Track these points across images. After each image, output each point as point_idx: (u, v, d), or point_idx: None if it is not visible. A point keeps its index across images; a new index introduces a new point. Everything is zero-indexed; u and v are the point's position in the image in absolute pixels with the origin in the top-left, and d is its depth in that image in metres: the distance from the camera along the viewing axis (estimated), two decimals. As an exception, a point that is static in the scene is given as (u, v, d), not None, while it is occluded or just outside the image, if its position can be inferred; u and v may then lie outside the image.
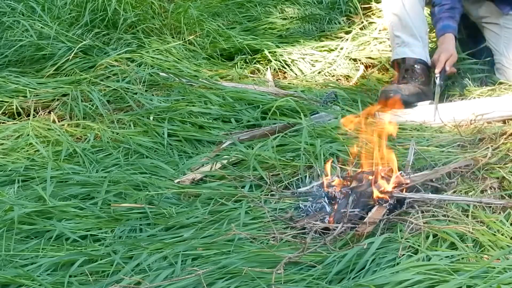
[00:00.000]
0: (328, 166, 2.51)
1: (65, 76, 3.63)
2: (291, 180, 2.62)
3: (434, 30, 3.42)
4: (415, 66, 3.25)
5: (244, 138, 2.97)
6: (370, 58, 3.83)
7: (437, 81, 3.16)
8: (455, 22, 3.35)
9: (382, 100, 3.15)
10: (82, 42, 3.77)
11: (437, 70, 3.20)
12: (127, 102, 3.34)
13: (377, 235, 2.14)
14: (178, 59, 3.77)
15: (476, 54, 3.55)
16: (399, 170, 2.44)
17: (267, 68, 3.78)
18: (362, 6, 4.20)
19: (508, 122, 2.95)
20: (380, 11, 4.08)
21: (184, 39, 4.02)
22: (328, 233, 2.23)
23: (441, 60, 3.21)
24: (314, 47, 3.96)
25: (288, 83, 3.65)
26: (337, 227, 2.22)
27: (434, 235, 2.12)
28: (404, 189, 2.37)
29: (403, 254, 2.03)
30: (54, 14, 4.01)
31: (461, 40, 3.57)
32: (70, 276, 2.07)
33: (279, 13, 4.50)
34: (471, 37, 3.62)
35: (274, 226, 2.29)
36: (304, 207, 2.39)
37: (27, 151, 2.97)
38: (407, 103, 3.14)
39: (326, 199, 2.39)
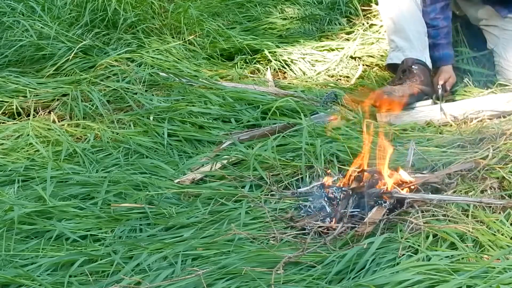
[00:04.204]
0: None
1: (65, 76, 3.63)
2: (291, 180, 2.62)
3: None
4: (413, 66, 3.25)
5: (244, 138, 2.97)
6: (371, 57, 3.83)
7: (440, 91, 3.23)
8: (452, 47, 3.43)
9: (377, 102, 3.15)
10: (82, 42, 3.77)
11: (440, 83, 3.27)
12: (127, 102, 3.34)
13: (377, 235, 2.14)
14: (178, 59, 3.77)
15: (477, 55, 3.56)
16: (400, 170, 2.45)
17: (267, 68, 3.78)
18: (362, 7, 4.20)
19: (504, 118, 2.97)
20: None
21: (184, 39, 4.02)
22: (328, 233, 2.23)
23: (440, 78, 3.30)
24: (314, 47, 3.96)
25: (288, 83, 3.65)
26: (337, 227, 2.22)
27: (434, 235, 2.12)
28: (407, 189, 2.38)
29: (403, 254, 2.03)
30: (54, 14, 4.01)
31: (461, 41, 3.58)
32: (70, 276, 2.07)
33: (279, 13, 4.49)
34: (472, 38, 3.62)
35: (274, 226, 2.29)
36: (304, 207, 2.39)
37: (27, 151, 2.97)
38: (403, 104, 3.13)
39: (326, 199, 2.39)
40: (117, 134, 3.07)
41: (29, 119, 3.25)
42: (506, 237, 2.11)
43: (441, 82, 3.27)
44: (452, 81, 3.34)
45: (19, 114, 3.34)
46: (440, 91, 3.23)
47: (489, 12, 3.45)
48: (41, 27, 3.85)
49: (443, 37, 3.37)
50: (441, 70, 3.35)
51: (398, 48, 3.33)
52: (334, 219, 2.28)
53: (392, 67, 3.41)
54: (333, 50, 3.94)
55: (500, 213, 2.25)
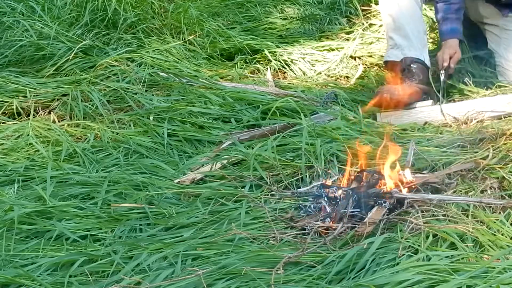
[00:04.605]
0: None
1: (65, 76, 3.63)
2: (291, 180, 2.62)
3: (437, 25, 3.43)
4: (412, 65, 3.25)
5: (244, 138, 2.97)
6: (371, 57, 3.83)
7: (442, 77, 3.21)
8: (461, 24, 3.39)
9: (377, 101, 3.16)
10: (82, 42, 3.77)
11: (444, 64, 3.23)
12: (127, 102, 3.34)
13: (377, 235, 2.14)
14: (178, 59, 3.77)
15: (478, 55, 3.56)
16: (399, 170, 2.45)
17: (267, 68, 3.78)
18: (362, 7, 4.20)
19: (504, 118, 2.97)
20: (380, 12, 4.09)
21: (184, 39, 4.02)
22: (328, 233, 2.23)
23: (445, 57, 3.26)
24: (314, 47, 3.96)
25: (288, 83, 3.65)
26: (337, 227, 2.22)
27: (434, 235, 2.12)
28: (407, 189, 2.38)
29: (403, 254, 2.03)
30: (54, 14, 4.01)
31: (462, 42, 3.58)
32: (70, 276, 2.07)
33: (279, 13, 4.50)
34: (472, 39, 3.62)
35: (274, 226, 2.29)
36: (304, 207, 2.39)
37: (27, 151, 2.97)
38: (403, 103, 3.13)
39: (326, 199, 2.39)
40: (117, 134, 3.07)
41: (29, 119, 3.25)
42: (506, 237, 2.11)
43: (445, 64, 3.23)
44: (457, 57, 3.29)
45: (19, 114, 3.34)
46: (442, 77, 3.20)
47: (490, 10, 3.45)
48: (41, 27, 3.85)
49: (453, 12, 3.33)
50: (446, 44, 3.31)
51: (397, 46, 3.32)
52: (333, 219, 2.28)
53: (390, 65, 3.41)
54: (333, 50, 3.95)
55: (500, 213, 2.25)
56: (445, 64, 3.24)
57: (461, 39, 3.35)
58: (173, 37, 4.02)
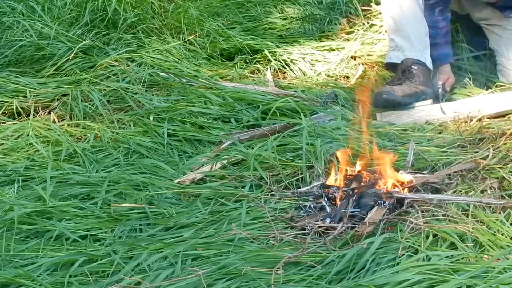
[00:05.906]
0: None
1: (65, 76, 3.63)
2: (291, 180, 2.62)
3: None
4: (412, 66, 3.25)
5: (244, 138, 2.97)
6: (371, 57, 3.83)
7: (440, 90, 3.20)
8: (451, 46, 3.43)
9: (376, 102, 3.16)
10: (82, 42, 3.77)
11: (440, 83, 3.24)
12: (127, 102, 3.34)
13: (377, 235, 2.14)
14: (178, 59, 3.77)
15: (478, 55, 3.57)
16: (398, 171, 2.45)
17: (267, 68, 3.78)
18: (362, 7, 4.20)
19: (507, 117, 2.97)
20: (380, 12, 4.08)
21: (184, 39, 4.02)
22: (328, 233, 2.23)
23: (439, 79, 3.28)
24: (314, 47, 3.95)
25: (288, 83, 3.65)
26: (337, 227, 2.22)
27: (434, 235, 2.13)
28: (406, 189, 2.38)
29: (403, 254, 2.03)
30: (54, 14, 4.01)
31: (462, 41, 3.59)
32: (70, 276, 2.07)
33: (279, 13, 4.49)
34: (473, 39, 3.62)
35: (274, 226, 2.29)
36: (304, 207, 2.39)
37: (27, 151, 2.97)
38: (402, 104, 3.13)
39: (326, 199, 2.39)
40: (117, 134, 3.07)
41: (29, 119, 3.25)
42: (506, 237, 2.11)
43: (440, 83, 3.25)
44: (451, 81, 3.33)
45: (19, 114, 3.34)
46: (440, 90, 3.21)
47: (492, 12, 3.45)
48: (41, 27, 3.85)
49: (442, 36, 3.37)
50: (439, 71, 3.34)
51: (398, 47, 3.32)
52: (332, 219, 2.28)
53: (391, 66, 3.41)
54: (333, 50, 3.94)
55: (500, 213, 2.25)
56: (440, 83, 3.25)
57: (454, 63, 3.37)
58: (173, 37, 4.02)
